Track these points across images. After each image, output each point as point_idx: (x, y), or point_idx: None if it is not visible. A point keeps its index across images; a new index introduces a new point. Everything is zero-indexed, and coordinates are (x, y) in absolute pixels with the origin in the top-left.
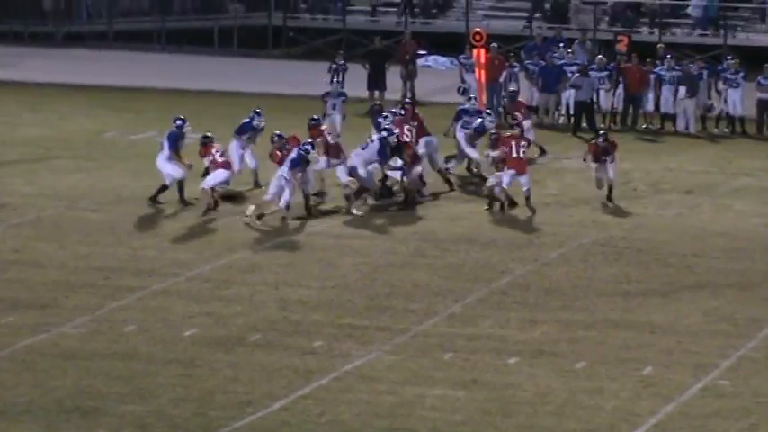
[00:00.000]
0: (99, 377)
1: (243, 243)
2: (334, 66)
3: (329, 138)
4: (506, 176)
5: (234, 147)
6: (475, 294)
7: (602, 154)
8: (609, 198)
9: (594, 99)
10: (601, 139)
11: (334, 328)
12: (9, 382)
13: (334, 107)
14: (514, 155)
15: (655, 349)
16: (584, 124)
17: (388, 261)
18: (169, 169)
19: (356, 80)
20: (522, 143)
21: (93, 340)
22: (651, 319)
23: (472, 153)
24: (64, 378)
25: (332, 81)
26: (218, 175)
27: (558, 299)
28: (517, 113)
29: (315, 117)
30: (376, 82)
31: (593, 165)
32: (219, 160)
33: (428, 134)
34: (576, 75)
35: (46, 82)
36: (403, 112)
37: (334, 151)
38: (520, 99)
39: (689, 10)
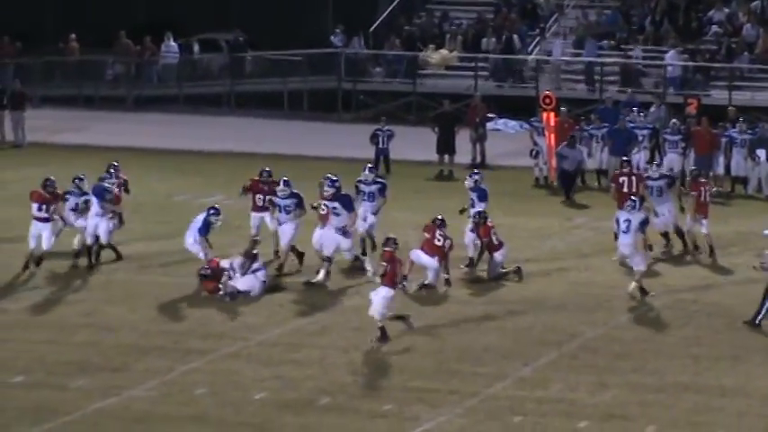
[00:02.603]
0: None
1: (312, 307)
2: (378, 131)
3: None
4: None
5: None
6: (544, 358)
7: None
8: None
9: (583, 168)
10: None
11: (403, 391)
12: None
13: None
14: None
15: (725, 413)
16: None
17: (457, 324)
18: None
19: (426, 144)
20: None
21: (164, 403)
22: (721, 383)
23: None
24: None
25: (376, 147)
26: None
27: (627, 362)
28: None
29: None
30: (445, 146)
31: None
32: None
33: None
34: (563, 145)
35: (116, 146)
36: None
37: None
38: None
39: (669, 69)
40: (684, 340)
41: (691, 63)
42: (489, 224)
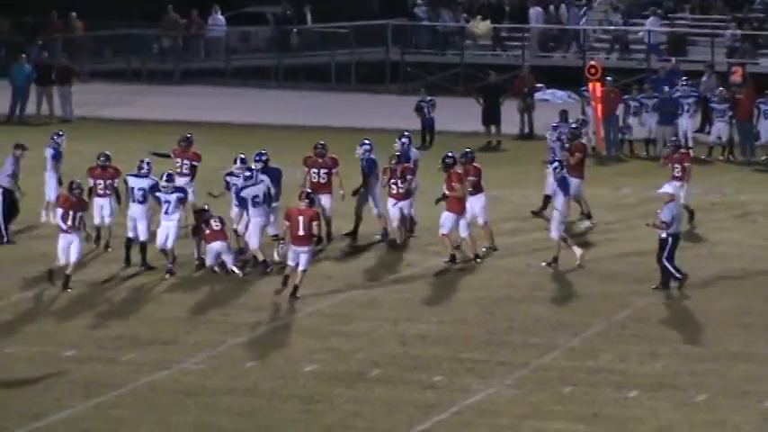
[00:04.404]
0: (220, 413)
1: (361, 278)
2: (422, 102)
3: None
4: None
5: None
6: (594, 328)
7: None
8: None
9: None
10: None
11: (453, 362)
12: (131, 418)
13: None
14: None
15: None
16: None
17: (506, 295)
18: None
19: (473, 115)
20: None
21: (214, 376)
22: None
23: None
24: (185, 414)
25: (422, 118)
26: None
27: (678, 331)
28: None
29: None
30: (491, 116)
31: None
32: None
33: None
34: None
35: (164, 119)
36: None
37: None
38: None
39: (641, 35)
40: (734, 309)
41: (739, 31)
42: (476, 165)
